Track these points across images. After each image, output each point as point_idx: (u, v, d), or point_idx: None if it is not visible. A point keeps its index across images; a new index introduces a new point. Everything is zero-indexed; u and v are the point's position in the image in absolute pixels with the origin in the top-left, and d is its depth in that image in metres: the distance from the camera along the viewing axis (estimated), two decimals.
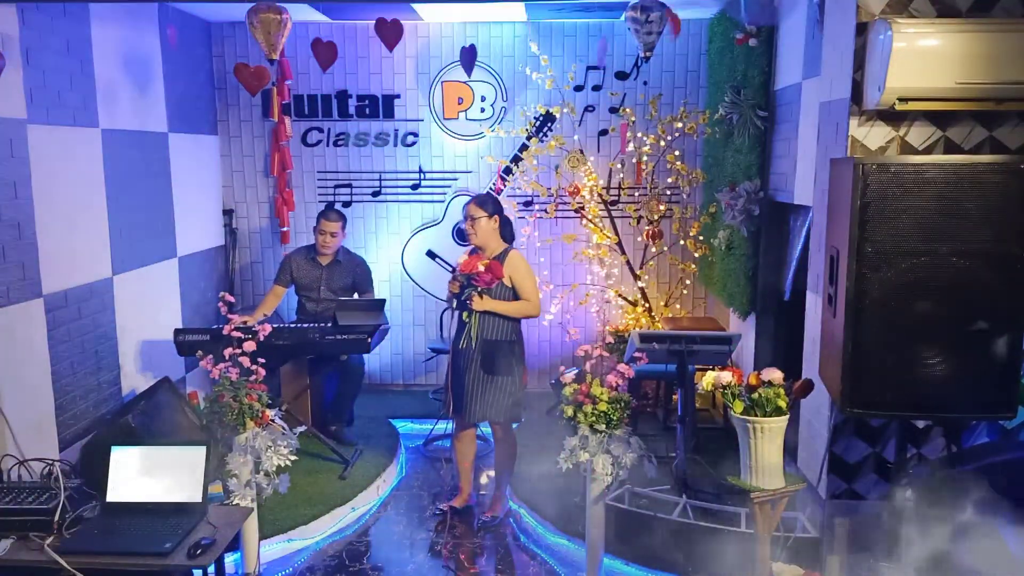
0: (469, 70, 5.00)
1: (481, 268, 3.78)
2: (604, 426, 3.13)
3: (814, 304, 3.45)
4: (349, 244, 5.82)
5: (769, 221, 4.45)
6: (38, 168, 3.70)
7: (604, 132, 5.77)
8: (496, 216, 3.97)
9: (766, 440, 2.72)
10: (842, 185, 2.60)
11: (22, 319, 3.59)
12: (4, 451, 3.11)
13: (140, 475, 2.80)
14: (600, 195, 5.63)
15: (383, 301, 4.66)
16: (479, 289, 3.82)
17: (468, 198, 4.09)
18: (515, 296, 3.94)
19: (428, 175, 5.91)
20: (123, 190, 4.46)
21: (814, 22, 3.59)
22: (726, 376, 2.81)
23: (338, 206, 5.93)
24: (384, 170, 5.92)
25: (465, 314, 3.89)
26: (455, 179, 5.91)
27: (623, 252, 5.67)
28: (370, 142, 5.88)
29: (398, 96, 5.81)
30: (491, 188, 5.75)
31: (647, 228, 5.58)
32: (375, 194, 5.95)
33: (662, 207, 5.60)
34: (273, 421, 3.28)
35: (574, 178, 5.63)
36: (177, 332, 4.34)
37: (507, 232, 4.05)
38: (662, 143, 5.51)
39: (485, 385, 3.92)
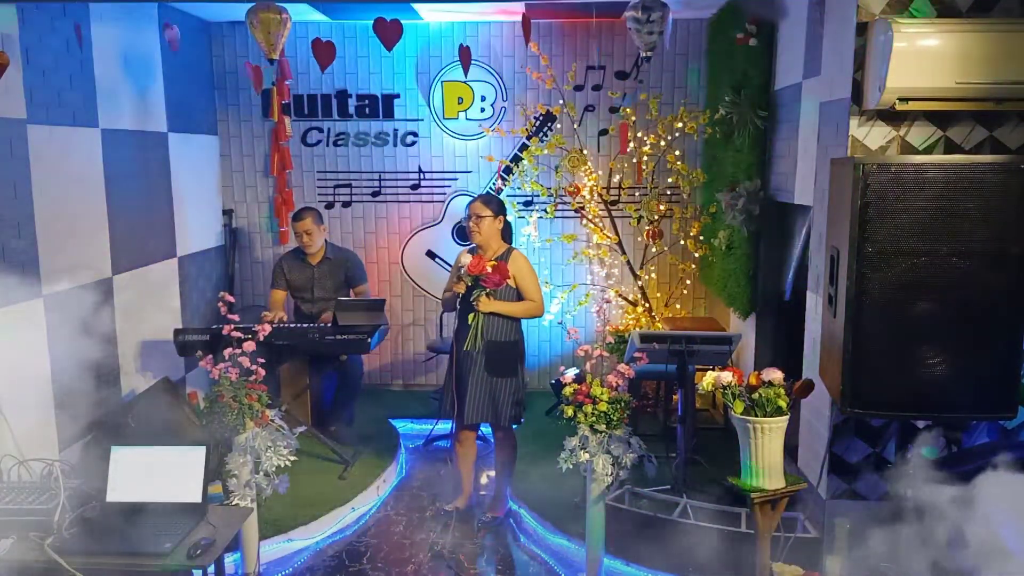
0: (466, 70, 4.98)
1: (489, 269, 3.78)
2: (604, 426, 3.13)
3: (814, 304, 3.44)
4: (349, 243, 5.83)
5: (769, 221, 4.45)
6: (38, 168, 3.70)
7: (604, 132, 5.77)
8: (501, 217, 3.97)
9: (766, 440, 2.72)
10: (842, 185, 2.60)
11: (22, 319, 3.58)
12: (4, 451, 3.11)
13: (140, 475, 2.80)
14: (600, 195, 5.63)
15: (383, 301, 4.66)
16: (487, 291, 3.81)
17: (469, 197, 4.09)
18: (518, 296, 3.94)
19: (428, 175, 5.91)
20: (123, 190, 4.46)
21: (814, 22, 3.59)
22: (726, 376, 2.81)
23: (337, 206, 5.94)
24: (384, 170, 5.92)
25: (471, 316, 3.87)
26: (455, 179, 5.91)
27: (623, 252, 5.67)
28: (370, 142, 5.88)
29: (398, 96, 5.81)
30: (491, 188, 5.75)
31: (647, 228, 5.58)
32: (375, 194, 5.95)
33: (662, 207, 5.60)
34: (273, 421, 3.28)
35: (574, 178, 5.63)
36: (177, 332, 4.34)
37: (507, 234, 4.06)
38: (662, 143, 5.51)
39: (488, 386, 3.92)
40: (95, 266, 4.23)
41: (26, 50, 3.63)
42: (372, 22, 4.15)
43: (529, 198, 5.82)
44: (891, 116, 2.98)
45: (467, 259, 3.84)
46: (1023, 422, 2.96)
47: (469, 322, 3.86)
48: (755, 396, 2.73)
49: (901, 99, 2.80)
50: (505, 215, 4.01)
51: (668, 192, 5.68)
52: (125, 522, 2.67)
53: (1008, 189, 2.40)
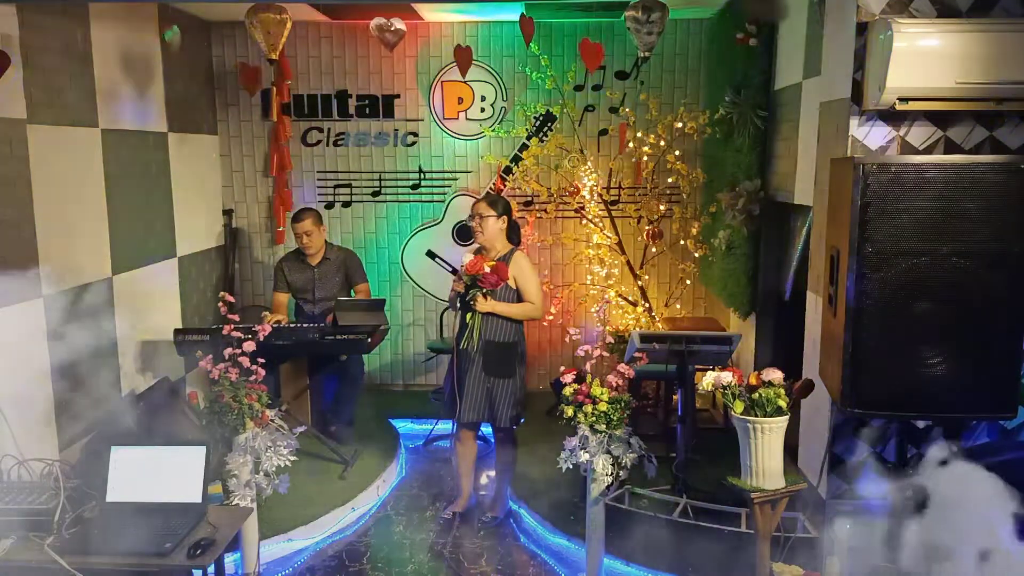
0: (464, 70, 4.98)
1: (487, 269, 3.78)
2: (604, 426, 3.13)
3: (814, 304, 3.44)
4: (349, 243, 5.83)
5: (769, 221, 4.45)
6: (38, 168, 3.70)
7: (604, 132, 5.77)
8: (505, 217, 3.97)
9: (766, 440, 2.72)
10: (842, 185, 2.60)
11: (22, 319, 3.58)
12: (4, 451, 3.11)
13: (140, 475, 2.80)
14: (600, 195, 5.63)
15: (383, 301, 4.66)
16: (484, 290, 3.82)
17: (470, 197, 4.08)
18: (519, 297, 3.94)
19: (428, 175, 5.91)
20: (123, 190, 4.46)
21: (814, 22, 3.59)
22: (726, 376, 2.81)
23: (337, 205, 5.95)
24: (384, 170, 5.92)
25: (468, 315, 3.87)
26: (455, 179, 5.91)
27: (623, 252, 5.66)
28: (370, 142, 5.88)
29: (398, 96, 5.81)
30: (491, 188, 5.75)
31: (647, 228, 5.58)
32: (375, 194, 5.95)
33: (662, 207, 5.60)
34: (273, 421, 3.28)
35: (574, 178, 5.62)
36: (177, 332, 4.34)
37: (514, 235, 4.05)
38: (662, 143, 5.51)
39: (486, 386, 3.92)
40: (95, 266, 4.23)
41: (26, 50, 3.62)
42: (371, 23, 4.16)
43: (529, 198, 5.82)
44: (891, 116, 2.98)
45: (465, 258, 3.85)
46: (1023, 422, 2.96)
47: (467, 321, 3.87)
48: (755, 396, 2.72)
49: (901, 99, 2.80)
50: (510, 216, 4.01)
51: (668, 192, 5.68)
52: (125, 522, 2.66)
53: (1008, 189, 2.40)
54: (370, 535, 4.10)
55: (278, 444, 3.24)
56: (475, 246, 4.10)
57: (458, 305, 3.97)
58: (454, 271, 3.95)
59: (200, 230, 5.54)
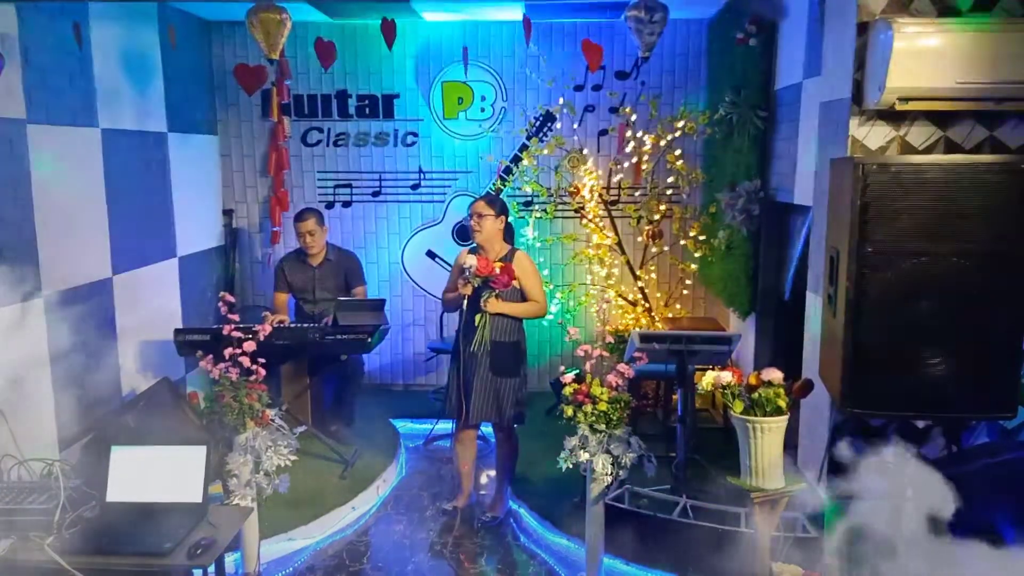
0: (466, 69, 4.99)
1: (497, 270, 3.79)
2: (604, 426, 3.13)
3: (814, 304, 3.45)
4: (349, 243, 5.83)
5: (769, 221, 4.45)
6: (38, 168, 3.70)
7: (604, 132, 5.76)
8: (503, 217, 3.98)
9: (766, 440, 2.72)
10: (842, 185, 2.60)
11: (22, 319, 3.58)
12: (4, 451, 3.11)
13: (140, 475, 2.79)
14: (600, 195, 5.63)
15: (383, 301, 4.66)
16: (496, 292, 3.83)
17: (470, 198, 4.09)
18: (522, 296, 3.96)
19: (428, 175, 5.91)
20: (123, 190, 4.46)
21: (814, 22, 3.59)
22: (726, 376, 2.81)
23: (338, 206, 5.95)
24: (384, 170, 5.92)
25: (478, 317, 3.88)
26: (455, 179, 5.91)
27: (623, 252, 5.67)
28: (370, 142, 5.88)
29: (398, 96, 5.81)
30: (491, 188, 5.75)
31: (647, 228, 5.58)
32: (375, 194, 5.95)
33: (662, 207, 5.60)
34: (273, 421, 3.29)
35: (574, 178, 5.62)
36: (177, 332, 4.34)
37: (509, 234, 4.07)
38: (662, 143, 5.51)
39: (493, 386, 3.93)
40: (95, 266, 4.23)
41: (26, 50, 3.63)
42: (372, 22, 4.16)
43: (529, 198, 5.82)
44: (891, 116, 2.97)
45: (470, 259, 3.85)
46: (1023, 422, 2.96)
47: (476, 323, 3.87)
48: (754, 396, 2.72)
49: (901, 99, 2.79)
50: (507, 216, 4.02)
51: (668, 192, 5.68)
52: (125, 522, 2.66)
53: (1008, 189, 2.40)
54: (370, 534, 4.10)
55: (278, 444, 3.24)
56: (474, 245, 4.10)
57: (464, 307, 3.94)
58: (461, 272, 3.93)
59: (200, 230, 5.54)
